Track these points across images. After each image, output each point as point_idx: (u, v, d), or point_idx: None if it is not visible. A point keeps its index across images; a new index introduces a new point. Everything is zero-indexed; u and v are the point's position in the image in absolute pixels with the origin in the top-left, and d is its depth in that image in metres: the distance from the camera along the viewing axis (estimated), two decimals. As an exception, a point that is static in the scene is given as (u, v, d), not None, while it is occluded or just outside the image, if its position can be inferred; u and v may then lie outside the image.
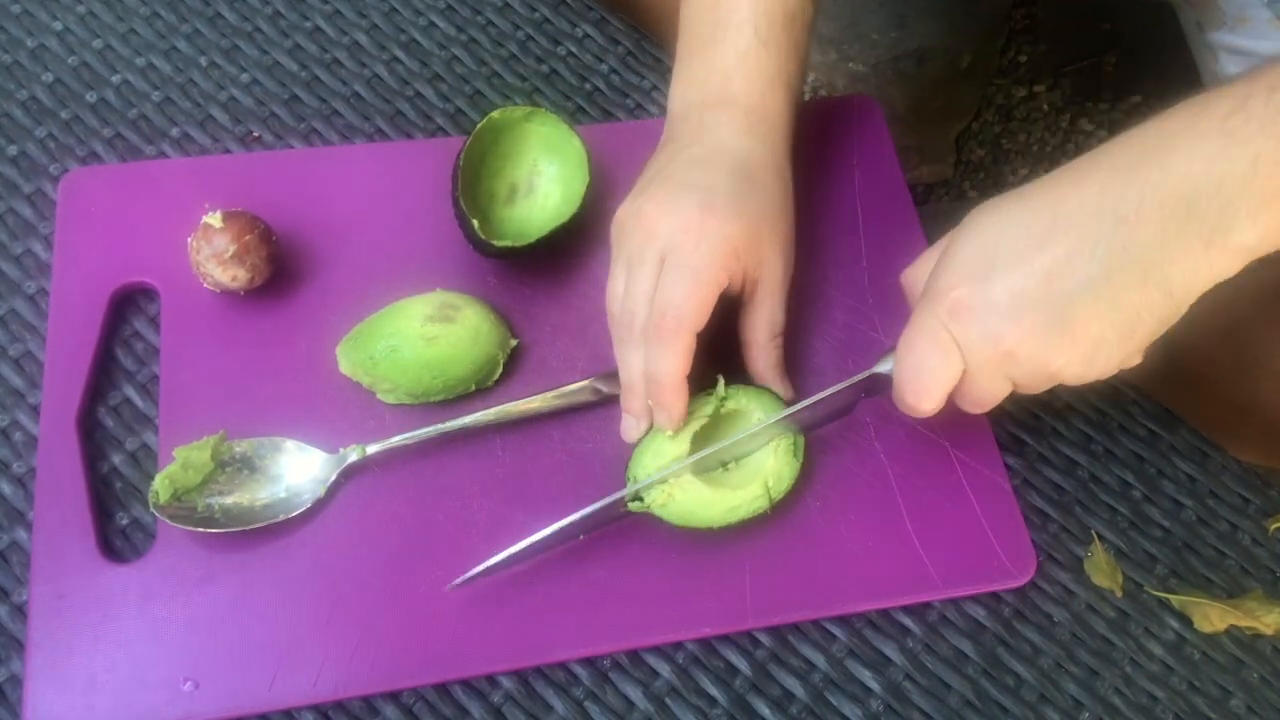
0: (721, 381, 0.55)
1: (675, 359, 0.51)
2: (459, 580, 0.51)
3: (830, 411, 0.54)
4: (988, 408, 0.49)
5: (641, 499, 0.52)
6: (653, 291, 0.52)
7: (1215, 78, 0.69)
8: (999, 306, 0.44)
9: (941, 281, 0.46)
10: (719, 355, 0.56)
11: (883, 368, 0.51)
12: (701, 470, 0.54)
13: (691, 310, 0.51)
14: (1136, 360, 0.47)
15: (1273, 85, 0.41)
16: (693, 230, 0.52)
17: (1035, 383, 0.47)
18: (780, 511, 0.56)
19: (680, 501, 0.52)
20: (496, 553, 0.51)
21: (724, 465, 0.55)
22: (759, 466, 0.54)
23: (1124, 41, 1.42)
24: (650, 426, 0.54)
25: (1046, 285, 0.43)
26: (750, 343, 0.57)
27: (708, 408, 0.55)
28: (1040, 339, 0.44)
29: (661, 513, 0.52)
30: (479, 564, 0.51)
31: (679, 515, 0.52)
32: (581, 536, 0.53)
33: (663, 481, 0.52)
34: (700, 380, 0.54)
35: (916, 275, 0.51)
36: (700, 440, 0.54)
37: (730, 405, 0.55)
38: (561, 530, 0.51)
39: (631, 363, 0.54)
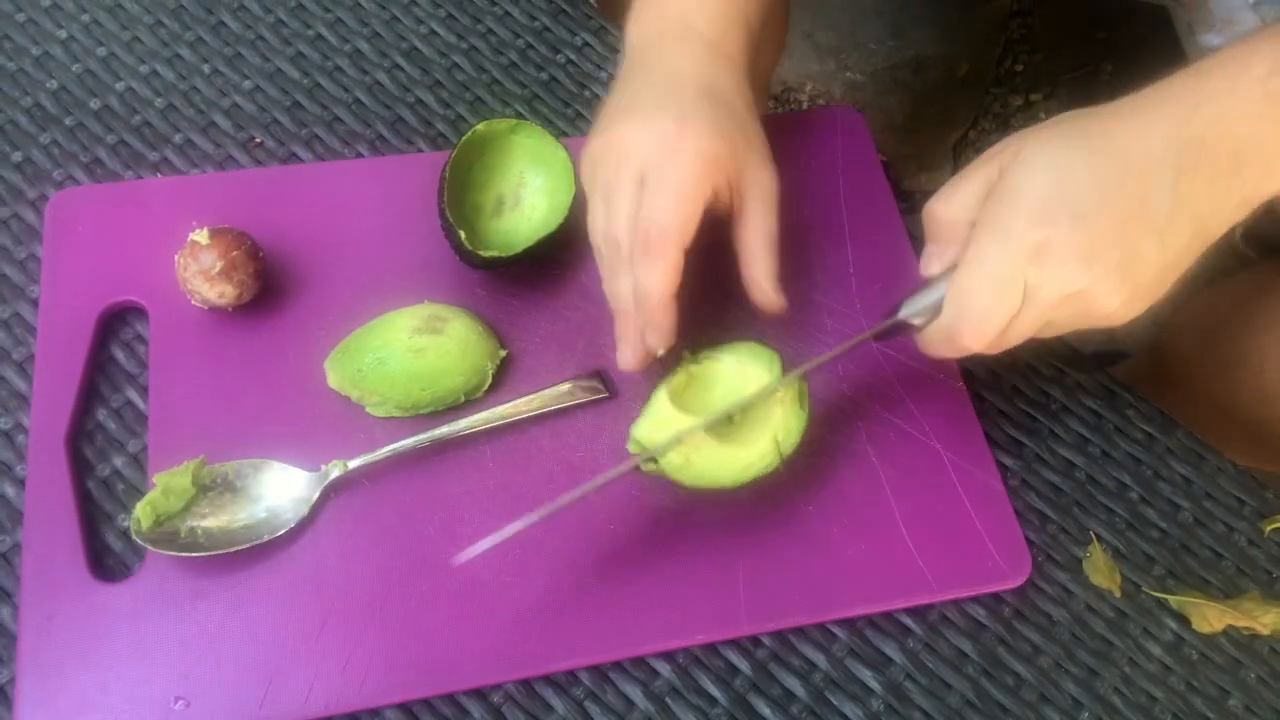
0: (688, 354, 0.55)
1: (663, 274, 0.50)
2: (464, 555, 0.48)
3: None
4: (1007, 347, 0.49)
5: (655, 461, 0.51)
6: (635, 213, 0.51)
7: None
8: (1080, 251, 0.45)
9: (1016, 221, 0.45)
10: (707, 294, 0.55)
11: (908, 313, 0.51)
12: (709, 429, 0.53)
13: (677, 222, 0.50)
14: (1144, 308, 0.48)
15: None
16: (669, 144, 0.51)
17: (1078, 324, 0.48)
18: (774, 515, 0.56)
19: (696, 463, 0.52)
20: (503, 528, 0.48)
21: (730, 419, 0.54)
22: (766, 421, 0.54)
23: (1120, 51, 1.43)
24: (646, 355, 0.53)
25: (1122, 232, 0.45)
26: (743, 251, 0.55)
27: (680, 374, 0.54)
28: (1108, 284, 0.45)
29: (677, 475, 0.52)
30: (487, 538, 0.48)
31: (694, 476, 0.52)
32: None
33: (679, 443, 0.51)
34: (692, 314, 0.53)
35: (948, 209, 0.49)
36: (696, 401, 0.54)
37: (710, 365, 0.55)
38: (572, 500, 0.50)
39: (621, 288, 0.53)
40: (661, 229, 0.50)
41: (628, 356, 0.54)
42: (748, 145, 0.54)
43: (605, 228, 0.53)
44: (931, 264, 0.51)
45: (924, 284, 0.51)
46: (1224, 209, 0.46)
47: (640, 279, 0.51)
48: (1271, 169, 0.46)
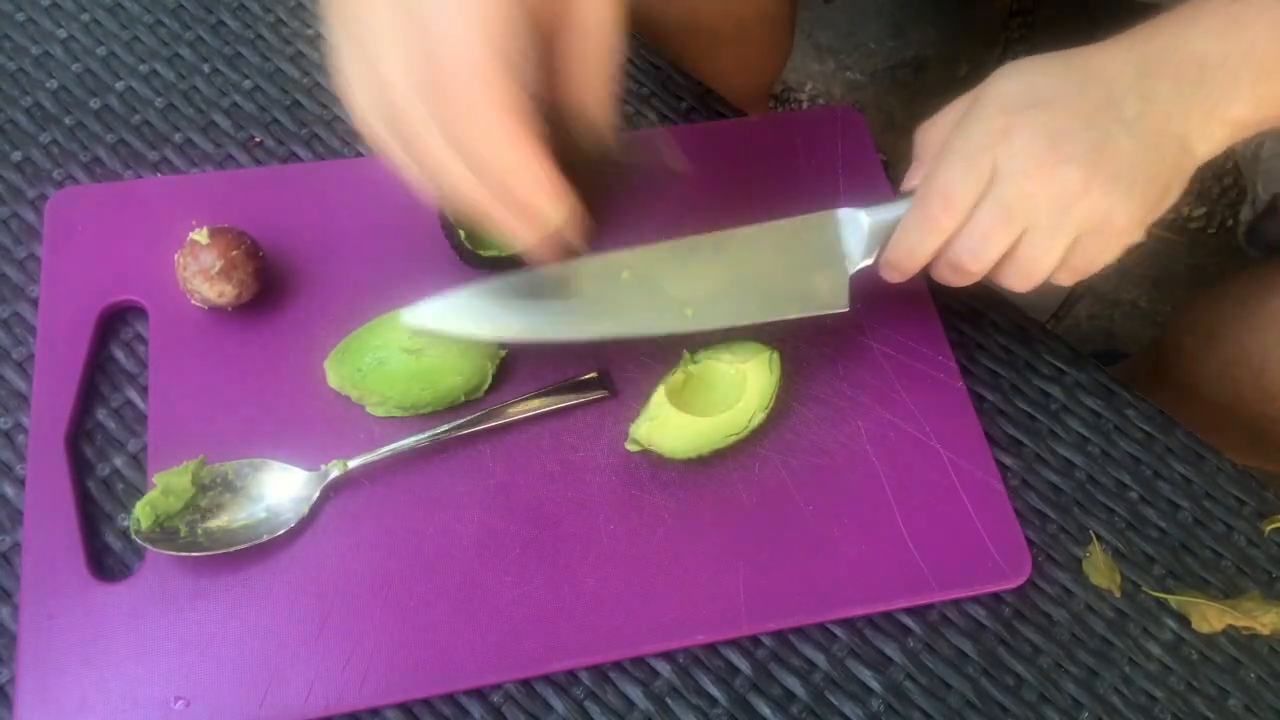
0: (687, 354, 0.57)
1: (505, 128, 0.36)
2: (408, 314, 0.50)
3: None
4: (1037, 277, 0.50)
5: (639, 441, 0.54)
6: (411, 59, 0.36)
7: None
8: (1045, 130, 0.47)
9: (984, 113, 0.49)
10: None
11: (875, 219, 0.54)
12: (685, 407, 0.55)
13: (482, 44, 0.35)
14: (1153, 218, 0.49)
15: None
16: None
17: (1069, 225, 0.48)
18: (774, 515, 0.56)
19: (671, 432, 0.54)
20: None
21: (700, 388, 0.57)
22: (739, 387, 0.56)
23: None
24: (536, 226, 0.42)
25: (1087, 121, 0.47)
26: (566, 71, 0.41)
27: (677, 373, 0.57)
28: (1080, 164, 0.47)
29: (660, 447, 0.54)
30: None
31: (674, 447, 0.54)
32: (625, 274, 0.54)
33: (650, 419, 0.54)
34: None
35: (935, 130, 0.52)
36: (695, 400, 0.56)
37: (709, 364, 0.57)
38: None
39: (440, 166, 0.38)
40: (470, 60, 0.35)
41: (516, 231, 0.42)
42: None
43: (373, 97, 0.38)
44: (913, 178, 0.53)
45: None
46: (1194, 118, 0.48)
47: (474, 148, 0.37)
48: (1236, 83, 0.47)
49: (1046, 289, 0.52)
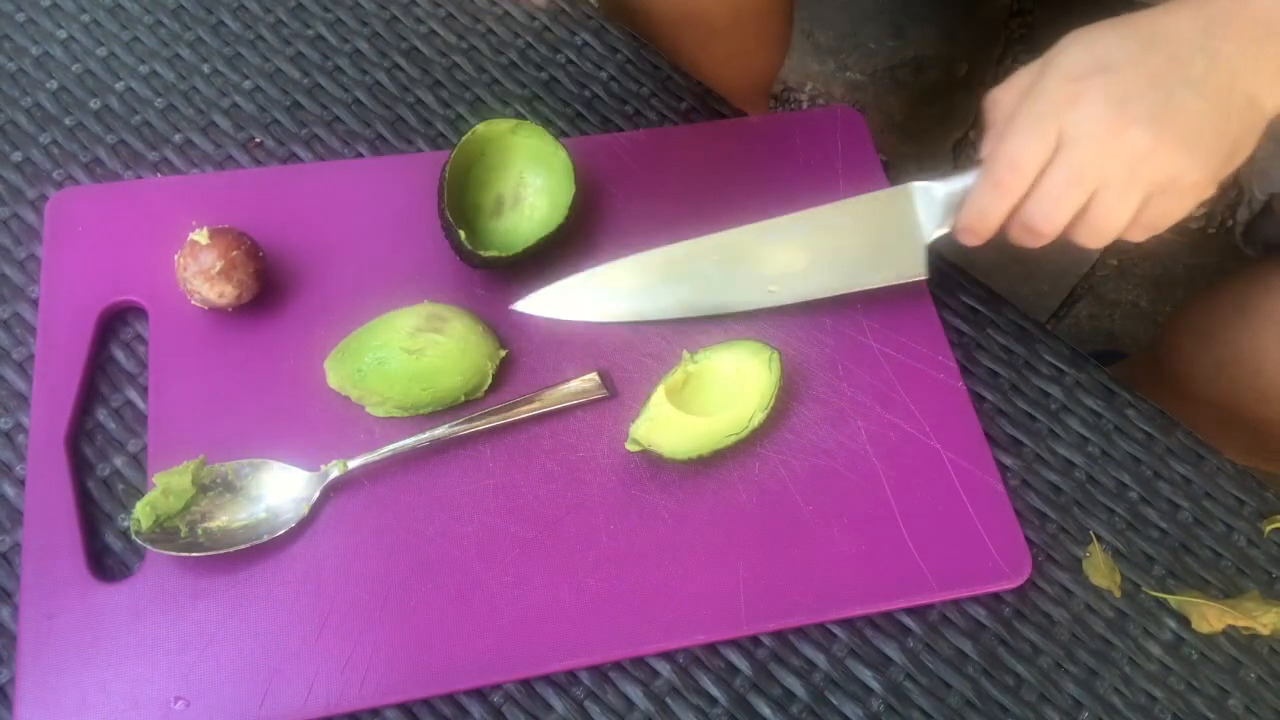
0: (687, 354, 0.57)
1: None
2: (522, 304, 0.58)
3: None
4: (1109, 235, 0.51)
5: (638, 441, 0.54)
6: None
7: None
8: (1111, 95, 0.48)
9: (1051, 81, 0.49)
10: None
11: (948, 190, 0.57)
12: (685, 407, 0.56)
13: None
14: (1225, 173, 0.50)
15: None
16: None
17: (1141, 184, 0.49)
18: (774, 515, 0.56)
19: (671, 432, 0.54)
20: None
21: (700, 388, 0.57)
22: (739, 388, 0.56)
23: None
24: None
25: (1152, 82, 0.48)
26: None
27: (678, 372, 0.57)
28: (1147, 126, 0.47)
29: (660, 447, 0.54)
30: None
31: (674, 447, 0.54)
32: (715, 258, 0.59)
33: (650, 419, 0.54)
34: None
35: (1006, 95, 0.53)
36: (695, 399, 0.56)
37: (708, 364, 0.57)
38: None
39: None
40: None
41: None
42: None
43: None
44: (986, 147, 0.54)
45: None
46: (1261, 74, 0.48)
47: None
48: None
49: (1077, 257, 0.53)
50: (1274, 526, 0.61)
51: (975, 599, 0.57)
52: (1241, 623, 0.58)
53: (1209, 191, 0.50)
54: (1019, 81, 0.53)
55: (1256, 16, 0.48)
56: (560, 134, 0.69)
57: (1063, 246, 0.54)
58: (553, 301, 0.60)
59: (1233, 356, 0.72)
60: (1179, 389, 0.80)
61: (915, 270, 0.59)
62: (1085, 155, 0.49)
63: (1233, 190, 1.33)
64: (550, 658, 0.52)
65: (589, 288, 0.61)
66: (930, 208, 0.58)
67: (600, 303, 0.61)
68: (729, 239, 0.60)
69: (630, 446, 0.55)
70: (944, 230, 0.58)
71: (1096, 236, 0.51)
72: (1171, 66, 0.48)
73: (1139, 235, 0.52)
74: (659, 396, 0.55)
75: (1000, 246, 0.56)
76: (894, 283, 0.59)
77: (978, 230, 0.55)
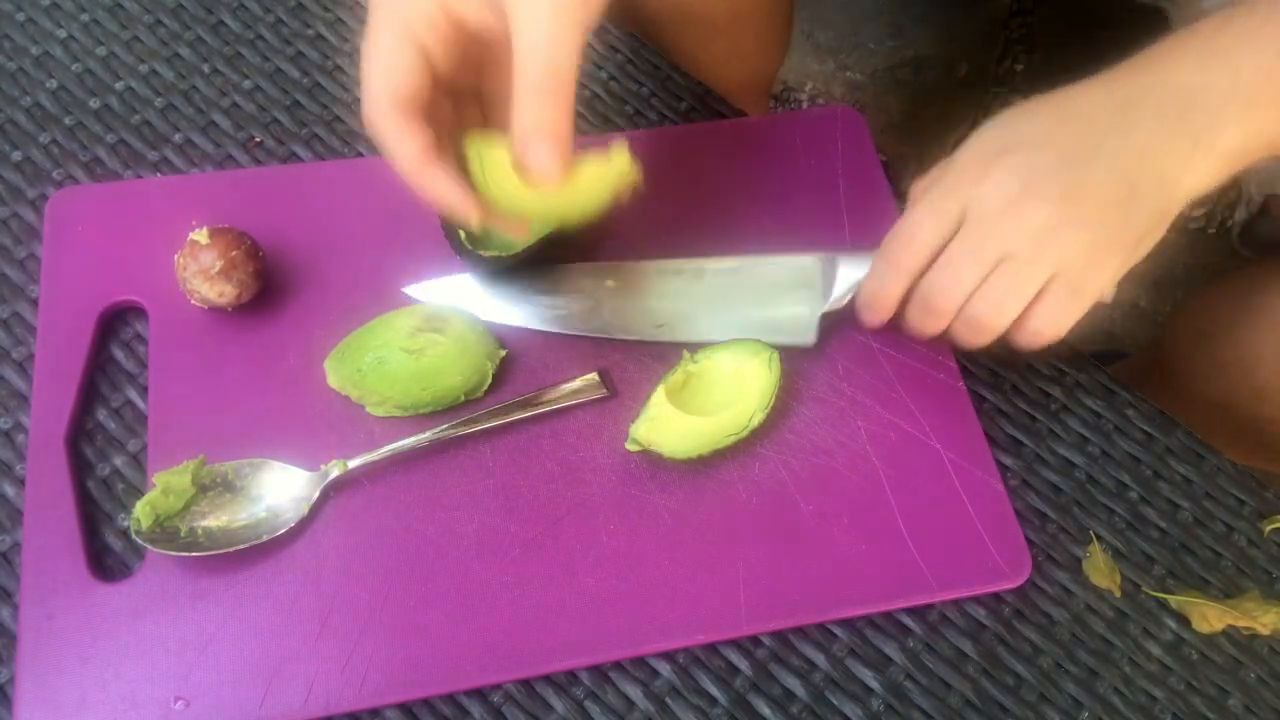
0: (687, 354, 0.57)
1: (392, 139, 0.45)
2: (412, 289, 0.59)
3: None
4: (1009, 311, 0.49)
5: (639, 441, 0.54)
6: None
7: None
8: (1017, 171, 0.47)
9: (959, 160, 0.49)
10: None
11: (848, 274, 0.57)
12: (684, 407, 0.56)
13: (373, 74, 0.45)
14: (1131, 263, 0.49)
15: (1251, 4, 0.46)
16: None
17: (1048, 257, 0.47)
18: (774, 515, 0.56)
19: (671, 432, 0.54)
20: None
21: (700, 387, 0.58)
22: (739, 387, 0.56)
23: (1120, 51, 1.43)
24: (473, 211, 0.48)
25: (1061, 159, 0.47)
26: (513, 91, 0.44)
27: (677, 373, 0.57)
28: (1052, 202, 0.46)
29: (660, 447, 0.54)
30: None
31: (674, 447, 0.54)
32: (610, 283, 0.60)
33: (650, 419, 0.54)
34: None
35: (925, 181, 0.52)
36: (694, 399, 0.56)
37: (708, 364, 0.57)
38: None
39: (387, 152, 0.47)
40: (365, 86, 0.45)
41: (453, 208, 0.48)
42: None
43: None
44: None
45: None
46: (1178, 151, 0.46)
47: (390, 159, 0.46)
48: (1221, 113, 0.46)
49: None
50: (1274, 526, 0.61)
51: (975, 599, 0.57)
52: (1241, 623, 0.58)
53: (1108, 289, 0.48)
54: (937, 170, 0.52)
55: (1173, 90, 0.46)
56: (560, 134, 0.69)
57: None
58: (443, 293, 0.60)
59: (1230, 356, 0.72)
60: (1178, 388, 0.80)
61: (805, 338, 0.60)
62: (987, 229, 0.47)
63: (1232, 191, 1.33)
64: (550, 658, 0.52)
65: (483, 287, 0.60)
66: (831, 281, 0.58)
67: (489, 303, 0.60)
68: (630, 269, 0.61)
69: (630, 446, 0.55)
70: (842, 304, 0.58)
71: (997, 312, 0.49)
72: (1082, 144, 0.47)
73: (1027, 337, 0.50)
74: (659, 397, 0.55)
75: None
76: (781, 345, 0.58)
77: (874, 307, 0.54)
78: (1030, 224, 0.46)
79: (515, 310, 0.60)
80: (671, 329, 0.60)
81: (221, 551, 0.52)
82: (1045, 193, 0.46)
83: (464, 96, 0.51)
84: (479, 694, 0.53)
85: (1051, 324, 0.49)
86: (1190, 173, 0.47)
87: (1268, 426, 0.71)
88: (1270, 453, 0.75)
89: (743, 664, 0.55)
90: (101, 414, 0.57)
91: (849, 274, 0.57)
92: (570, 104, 0.44)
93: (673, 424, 0.55)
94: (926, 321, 0.52)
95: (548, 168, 0.45)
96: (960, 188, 0.48)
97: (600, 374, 0.59)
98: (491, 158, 0.48)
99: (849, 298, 0.58)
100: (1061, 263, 0.47)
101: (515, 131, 0.44)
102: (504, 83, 0.45)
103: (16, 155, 0.64)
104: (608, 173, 0.50)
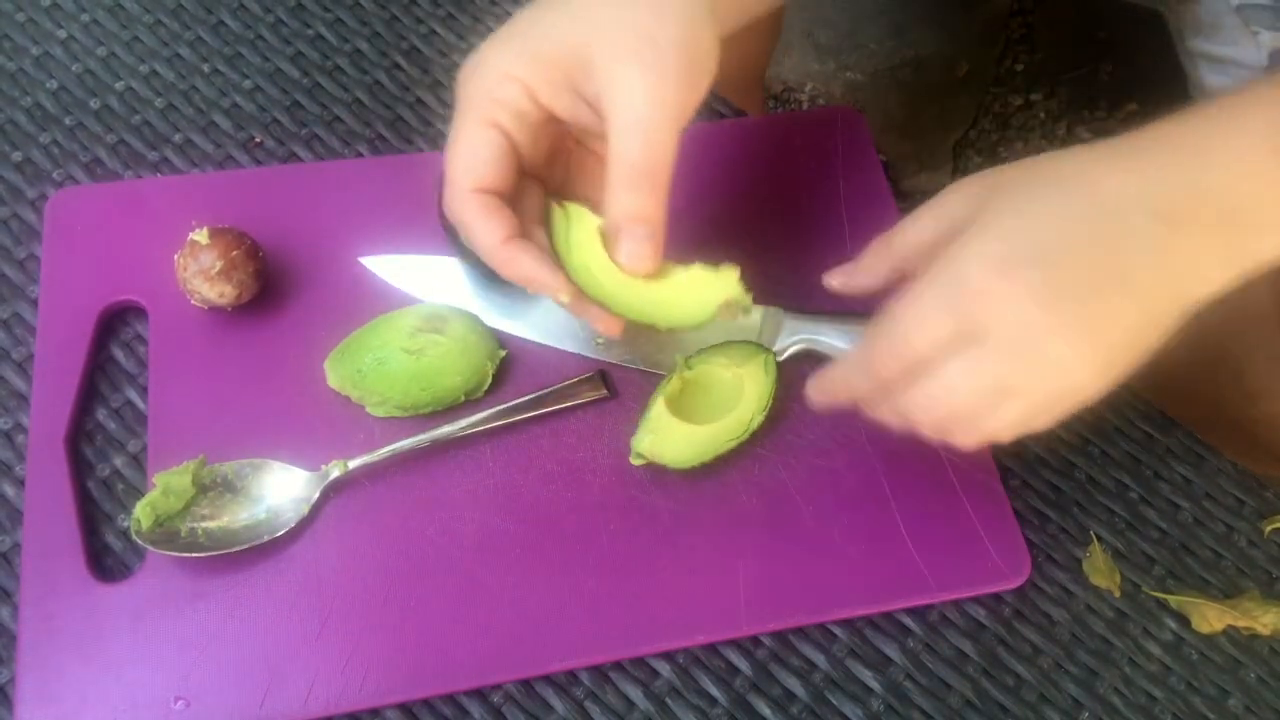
0: (681, 360, 0.56)
1: (474, 225, 0.44)
2: (368, 260, 0.59)
3: None
4: (992, 437, 0.44)
5: (643, 455, 0.54)
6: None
7: (1198, 87, 0.70)
8: (1037, 295, 0.40)
9: (970, 267, 0.41)
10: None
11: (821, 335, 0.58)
12: (684, 414, 0.55)
13: (457, 162, 0.44)
14: (1123, 377, 0.44)
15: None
16: (471, 67, 0.45)
17: (1036, 390, 0.42)
18: (774, 515, 0.56)
19: (674, 444, 0.54)
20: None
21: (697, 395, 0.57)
22: (737, 391, 0.56)
23: (1119, 50, 1.42)
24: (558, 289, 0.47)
25: (1088, 285, 0.41)
26: (606, 183, 0.44)
27: (671, 382, 0.56)
28: (1072, 338, 0.41)
29: (664, 459, 0.54)
30: None
31: (678, 458, 0.54)
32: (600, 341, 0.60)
33: (652, 432, 0.54)
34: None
35: (908, 240, 0.46)
36: (693, 406, 0.56)
37: (704, 369, 0.57)
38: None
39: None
40: (450, 171, 0.45)
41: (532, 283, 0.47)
42: (612, 44, 0.43)
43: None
44: (853, 278, 0.50)
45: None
46: (1203, 267, 0.42)
47: (462, 230, 0.46)
48: (1263, 229, 0.41)
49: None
50: (1274, 526, 0.61)
51: (975, 599, 0.57)
52: (1241, 623, 0.58)
53: (1090, 400, 0.43)
54: (919, 231, 0.45)
55: (1218, 199, 0.41)
56: (560, 134, 0.69)
57: None
58: (396, 270, 0.60)
59: (1219, 358, 0.72)
60: (1175, 389, 0.80)
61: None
62: (998, 359, 0.41)
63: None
64: (550, 658, 0.52)
65: (436, 270, 0.60)
66: (788, 338, 0.59)
67: (439, 287, 0.60)
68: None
69: (634, 460, 0.54)
70: (781, 358, 0.58)
71: (970, 426, 0.44)
72: (1114, 263, 0.40)
73: (1005, 435, 0.44)
74: (659, 408, 0.55)
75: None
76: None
77: (835, 397, 0.48)
78: (1045, 360, 0.41)
79: (512, 320, 0.60)
80: (611, 350, 0.60)
81: (221, 552, 0.52)
82: (1068, 326, 0.40)
83: (553, 184, 0.50)
84: (479, 694, 0.53)
85: (1013, 434, 0.45)
86: (1205, 287, 0.42)
87: (1257, 429, 0.71)
88: (1265, 454, 0.75)
89: (743, 664, 0.55)
90: (101, 414, 0.57)
91: (791, 327, 0.59)
92: (664, 197, 0.44)
93: (674, 434, 0.54)
94: (890, 418, 0.46)
95: (639, 256, 0.45)
96: (969, 303, 0.41)
97: (600, 374, 0.59)
98: (581, 225, 0.47)
99: (788, 354, 0.59)
100: (1060, 394, 0.43)
101: (607, 220, 0.45)
102: (594, 174, 0.45)
103: (16, 155, 0.64)
104: (712, 283, 0.49)
